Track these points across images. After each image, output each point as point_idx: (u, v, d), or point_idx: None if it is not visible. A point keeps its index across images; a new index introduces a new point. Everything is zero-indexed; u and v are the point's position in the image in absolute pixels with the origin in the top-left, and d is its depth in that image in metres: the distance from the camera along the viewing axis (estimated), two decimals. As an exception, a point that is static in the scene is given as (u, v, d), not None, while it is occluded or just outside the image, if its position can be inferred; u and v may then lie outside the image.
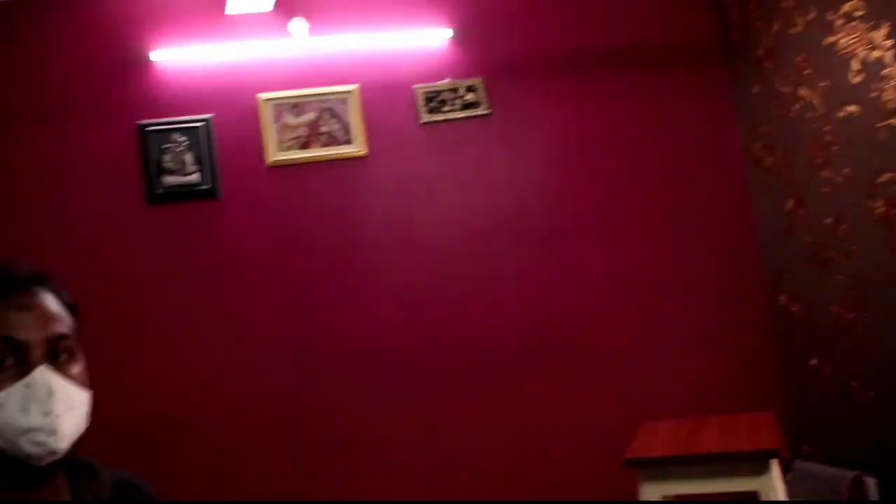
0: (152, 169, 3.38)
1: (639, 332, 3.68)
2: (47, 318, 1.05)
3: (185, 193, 3.40)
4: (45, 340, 1.02)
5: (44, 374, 1.00)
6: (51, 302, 1.07)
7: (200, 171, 3.41)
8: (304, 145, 3.49)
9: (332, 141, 3.52)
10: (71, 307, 1.11)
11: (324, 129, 3.51)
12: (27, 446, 0.98)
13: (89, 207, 3.36)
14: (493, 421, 3.57)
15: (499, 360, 3.59)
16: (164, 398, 3.34)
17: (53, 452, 0.99)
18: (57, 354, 1.04)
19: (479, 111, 3.63)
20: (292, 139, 3.49)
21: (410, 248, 3.57)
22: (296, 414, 3.45)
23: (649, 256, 3.71)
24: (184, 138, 3.41)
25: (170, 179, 3.39)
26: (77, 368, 1.06)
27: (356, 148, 3.53)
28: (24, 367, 1.00)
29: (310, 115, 3.50)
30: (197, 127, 3.42)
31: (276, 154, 3.47)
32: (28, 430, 0.97)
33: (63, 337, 1.05)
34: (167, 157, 3.38)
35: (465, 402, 3.56)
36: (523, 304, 3.62)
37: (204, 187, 3.42)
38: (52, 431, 0.99)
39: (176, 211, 3.42)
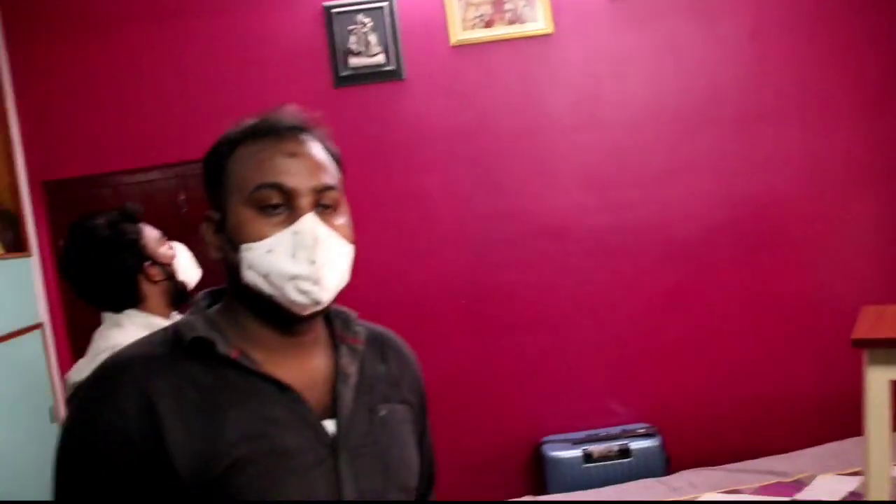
0: (338, 51, 3.38)
1: (837, 223, 3.50)
2: (315, 166, 1.03)
3: (370, 75, 3.40)
4: (312, 189, 1.01)
5: (311, 222, 1.00)
6: (318, 151, 1.05)
7: (385, 52, 3.39)
8: (488, 24, 3.40)
9: (516, 19, 3.40)
10: (337, 159, 1.09)
11: (508, 6, 3.39)
12: (293, 293, 0.99)
13: (278, 90, 3.40)
14: (678, 305, 3.51)
15: (685, 245, 3.50)
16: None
17: (317, 302, 1.00)
18: (324, 205, 1.03)
19: (672, -17, 3.41)
20: (476, 17, 3.40)
21: (596, 129, 3.47)
22: (479, 292, 3.49)
23: (855, 142, 3.47)
24: (368, 19, 3.38)
25: (355, 61, 3.39)
26: (342, 220, 1.05)
27: (541, 26, 3.40)
28: (292, 214, 1.00)
29: (495, -8, 3.39)
30: (381, 7, 3.38)
31: (459, 33, 3.40)
32: (295, 277, 0.98)
33: (330, 188, 1.03)
34: (352, 39, 3.38)
35: (649, 285, 3.51)
36: (713, 189, 3.48)
37: (388, 68, 3.40)
38: (317, 280, 0.99)
39: (361, 92, 3.43)
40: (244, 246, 1.00)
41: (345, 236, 1.04)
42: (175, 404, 0.96)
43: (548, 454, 3.38)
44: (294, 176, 1.01)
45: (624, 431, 3.44)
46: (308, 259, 0.98)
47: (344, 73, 3.38)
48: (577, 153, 3.47)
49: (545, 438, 3.49)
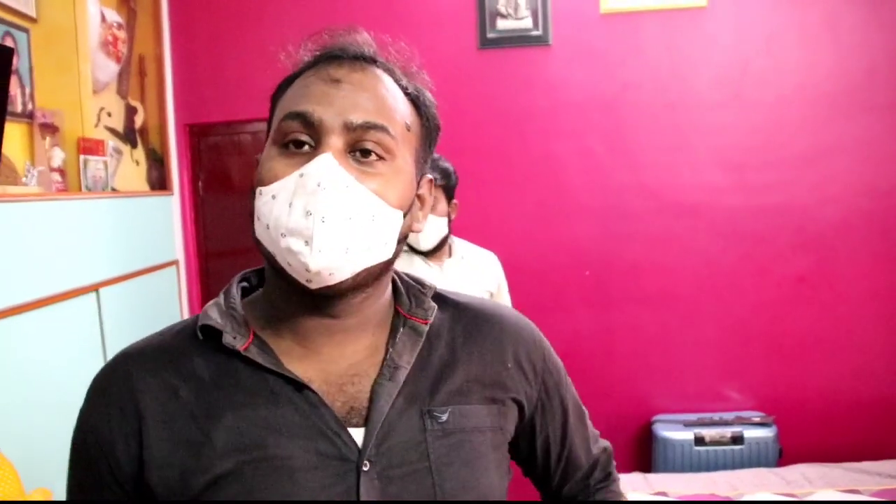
0: (487, 12, 3.36)
1: None
2: (361, 98, 0.79)
3: (517, 38, 3.36)
4: (345, 125, 0.77)
5: (324, 163, 0.75)
6: (381, 85, 0.82)
7: (533, 16, 3.34)
8: (641, -8, 3.32)
9: (670, -11, 3.31)
10: (419, 104, 0.86)
11: (664, -25, 3.30)
12: (284, 254, 0.76)
13: (422, 48, 3.38)
14: (807, 294, 3.42)
15: (821, 233, 3.39)
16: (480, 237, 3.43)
17: (307, 269, 0.75)
18: (364, 150, 0.78)
19: (837, -40, 3.25)
20: (628, -14, 3.32)
21: (740, 107, 3.36)
22: (604, 264, 3.46)
23: None
24: (519, -18, 3.35)
25: (503, 24, 3.36)
26: (388, 175, 0.80)
27: (695, -2, 3.30)
28: (314, 154, 0.77)
29: (652, -40, 3.30)
30: (533, -29, 3.34)
31: (610, 1, 3.32)
32: (287, 232, 0.75)
33: (377, 127, 0.78)
34: (501, 1, 3.34)
35: (778, 271, 3.42)
36: (857, 177, 3.35)
37: (535, 33, 3.36)
38: (309, 239, 0.74)
39: (506, 55, 3.39)
40: (257, 191, 0.79)
41: (387, 197, 0.79)
42: (163, 407, 0.80)
43: (658, 433, 3.36)
44: (327, 106, 0.78)
45: (738, 418, 3.39)
46: (303, 209, 0.74)
47: (491, 35, 3.36)
48: (718, 131, 3.37)
49: (656, 417, 3.47)
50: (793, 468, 3.23)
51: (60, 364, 2.37)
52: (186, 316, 3.54)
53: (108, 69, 2.89)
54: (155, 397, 0.80)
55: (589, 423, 1.05)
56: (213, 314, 0.83)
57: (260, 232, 0.78)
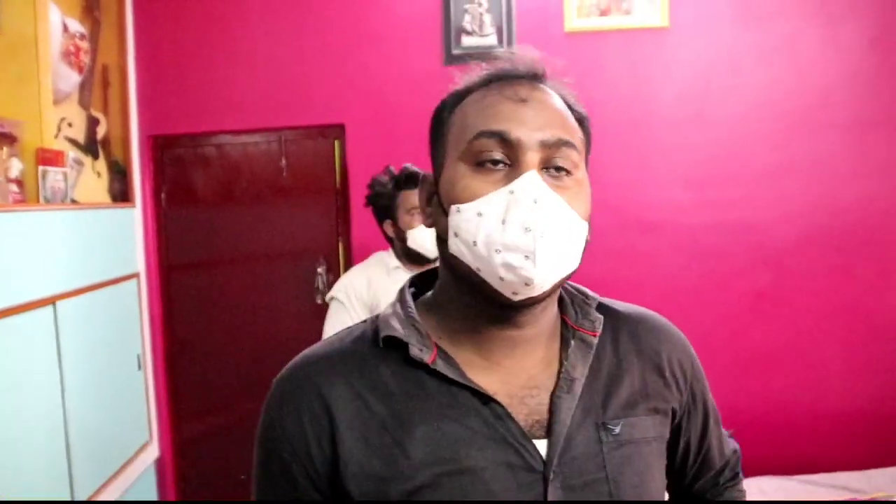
0: (452, 29, 3.38)
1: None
2: (549, 117, 0.83)
3: (481, 55, 3.36)
4: (541, 143, 0.82)
5: (533, 180, 0.80)
6: (559, 102, 0.86)
7: (498, 33, 3.38)
8: (604, 12, 3.36)
9: (632, 10, 3.35)
10: (581, 120, 0.89)
11: (626, -4, 3.35)
12: (499, 269, 0.79)
13: (388, 63, 3.41)
14: (765, 309, 3.47)
15: (780, 249, 3.43)
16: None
17: (527, 283, 0.79)
18: (557, 166, 0.83)
19: (795, -18, 3.33)
20: (592, 5, 3.36)
21: (702, 126, 3.42)
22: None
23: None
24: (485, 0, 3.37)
25: (468, 40, 3.39)
26: (578, 190, 0.84)
27: (657, 19, 3.35)
28: (513, 172, 0.81)
29: (613, -20, 3.35)
30: (499, -12, 3.37)
31: (574, 20, 3.36)
32: (503, 248, 0.79)
33: (566, 143, 0.83)
34: (467, 18, 3.37)
35: (738, 287, 3.46)
36: (816, 194, 3.41)
37: (499, 50, 3.37)
38: (531, 254, 0.78)
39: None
40: (453, 208, 0.82)
41: (578, 210, 0.83)
42: (355, 416, 0.83)
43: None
44: (521, 125, 0.81)
45: (697, 431, 3.43)
46: (522, 225, 0.78)
47: (456, 52, 3.39)
48: (680, 149, 3.43)
49: (616, 432, 3.49)
50: (750, 481, 3.26)
51: (14, 378, 2.33)
52: (147, 329, 3.49)
53: (70, 79, 2.85)
54: (346, 405, 0.83)
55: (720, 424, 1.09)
56: (395, 324, 0.87)
57: (460, 248, 0.82)
